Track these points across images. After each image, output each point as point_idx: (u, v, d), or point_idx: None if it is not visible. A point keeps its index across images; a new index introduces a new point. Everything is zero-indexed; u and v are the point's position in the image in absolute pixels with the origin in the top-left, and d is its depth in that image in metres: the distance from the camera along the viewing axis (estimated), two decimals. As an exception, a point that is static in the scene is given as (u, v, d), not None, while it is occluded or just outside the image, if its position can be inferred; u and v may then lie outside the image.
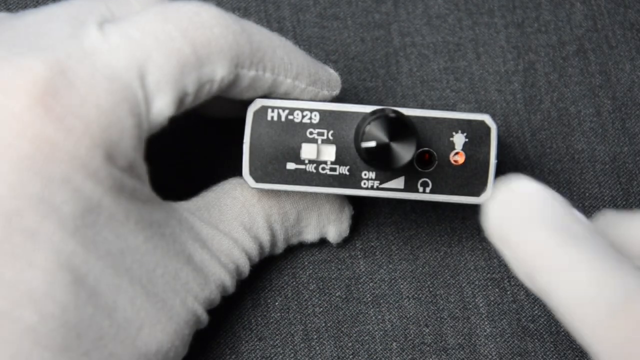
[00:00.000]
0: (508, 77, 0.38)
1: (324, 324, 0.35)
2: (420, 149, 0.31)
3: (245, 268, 0.32)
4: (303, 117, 0.31)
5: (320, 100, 0.32)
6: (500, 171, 0.37)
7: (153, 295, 0.29)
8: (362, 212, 0.36)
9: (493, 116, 0.37)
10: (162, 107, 0.28)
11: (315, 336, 0.35)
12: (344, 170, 0.31)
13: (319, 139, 0.31)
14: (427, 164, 0.31)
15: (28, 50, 0.27)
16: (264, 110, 0.31)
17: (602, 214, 0.29)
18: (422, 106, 0.37)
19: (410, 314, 0.36)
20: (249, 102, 0.31)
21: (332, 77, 0.33)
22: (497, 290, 0.36)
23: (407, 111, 0.31)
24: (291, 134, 0.31)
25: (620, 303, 0.23)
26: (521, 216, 0.26)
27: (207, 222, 0.31)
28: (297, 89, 0.32)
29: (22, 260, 0.26)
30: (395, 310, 0.36)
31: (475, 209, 0.36)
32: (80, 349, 0.27)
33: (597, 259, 0.24)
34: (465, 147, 0.31)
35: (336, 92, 0.33)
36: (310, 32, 0.38)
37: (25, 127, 0.26)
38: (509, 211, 0.26)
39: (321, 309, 0.35)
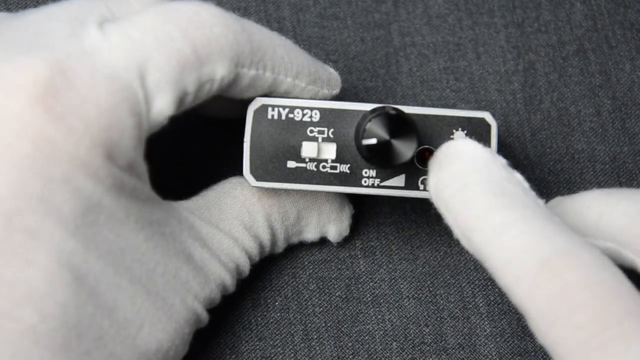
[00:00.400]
0: (508, 77, 0.38)
1: (324, 324, 0.35)
2: (421, 147, 0.31)
3: (246, 267, 0.32)
4: (303, 115, 0.31)
5: (320, 99, 0.32)
6: (501, 171, 0.37)
7: (153, 294, 0.28)
8: (362, 211, 0.36)
9: (493, 116, 0.37)
10: (162, 107, 0.28)
11: (315, 336, 0.35)
12: (344, 168, 0.31)
13: (320, 137, 0.31)
14: (428, 161, 0.31)
15: (28, 50, 0.27)
16: (264, 108, 0.31)
17: (554, 199, 0.30)
18: (423, 106, 0.37)
19: (410, 313, 0.36)
20: (249, 101, 0.31)
21: (332, 76, 0.33)
22: (497, 290, 0.36)
23: (407, 109, 0.31)
24: (292, 133, 0.31)
25: (547, 260, 0.24)
26: (457, 176, 0.26)
27: (207, 221, 0.31)
28: (297, 87, 0.32)
29: (22, 260, 0.26)
30: (395, 310, 0.36)
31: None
32: (80, 349, 0.27)
33: (529, 219, 0.25)
34: None
35: (336, 91, 0.33)
36: (310, 32, 0.38)
37: (26, 127, 0.26)
38: (446, 172, 0.27)
39: (321, 308, 0.35)
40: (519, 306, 0.25)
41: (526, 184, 0.27)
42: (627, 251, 0.27)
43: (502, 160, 0.27)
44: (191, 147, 0.36)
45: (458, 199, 0.26)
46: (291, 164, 0.31)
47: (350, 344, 0.35)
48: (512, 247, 0.25)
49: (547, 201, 0.31)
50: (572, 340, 0.23)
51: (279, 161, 0.31)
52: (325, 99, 0.33)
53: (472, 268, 0.36)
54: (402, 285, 0.36)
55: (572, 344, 0.23)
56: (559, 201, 0.30)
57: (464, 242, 0.26)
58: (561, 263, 0.24)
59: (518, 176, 0.27)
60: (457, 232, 0.27)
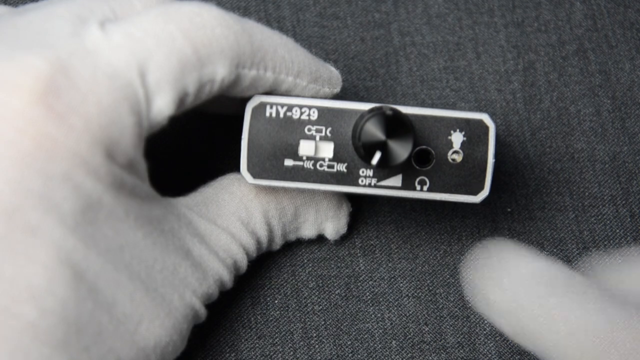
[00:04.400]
0: (508, 76, 0.38)
1: (323, 322, 0.35)
2: (418, 147, 0.31)
3: (243, 263, 0.32)
4: (301, 113, 0.31)
5: (321, 98, 0.32)
6: (500, 170, 0.37)
7: (152, 290, 0.29)
8: (362, 210, 0.36)
9: (493, 115, 0.37)
10: (163, 106, 0.29)
11: (315, 334, 0.35)
12: (341, 167, 0.31)
13: (317, 135, 0.31)
14: (425, 162, 0.31)
15: (30, 48, 0.27)
16: (262, 106, 0.31)
17: (593, 257, 0.30)
18: (422, 105, 0.37)
19: (410, 312, 0.36)
20: (248, 98, 0.31)
21: (333, 75, 0.33)
22: (496, 289, 0.36)
23: (405, 109, 0.31)
24: (289, 131, 0.31)
25: (603, 336, 0.24)
26: (496, 274, 0.27)
27: (205, 217, 0.31)
28: (298, 86, 0.32)
29: (22, 257, 0.26)
30: (395, 308, 0.36)
31: (474, 208, 0.36)
32: (79, 345, 0.27)
33: (578, 303, 0.25)
34: (463, 145, 0.31)
35: (337, 89, 0.33)
36: (310, 32, 0.38)
37: (27, 125, 0.26)
38: (484, 272, 0.27)
39: (320, 307, 0.36)
40: None
41: (565, 269, 0.27)
42: None
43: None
44: (189, 143, 0.37)
45: (498, 296, 0.27)
46: (288, 162, 0.31)
47: (349, 342, 0.35)
48: (564, 332, 0.25)
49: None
50: None
51: (276, 159, 0.31)
52: (326, 97, 0.33)
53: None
54: (401, 284, 0.36)
55: None
56: (603, 261, 0.30)
57: (519, 339, 0.27)
58: (618, 336, 0.24)
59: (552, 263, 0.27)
60: (504, 327, 0.27)
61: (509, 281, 0.26)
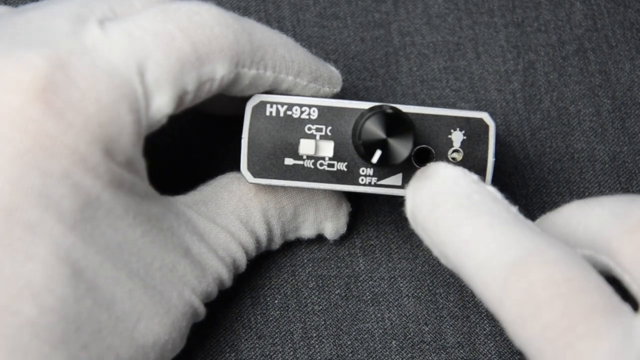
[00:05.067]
0: (508, 76, 0.38)
1: (323, 322, 0.35)
2: (418, 146, 0.31)
3: (242, 262, 0.32)
4: (301, 112, 0.31)
5: (321, 97, 0.32)
6: (499, 169, 0.37)
7: (151, 288, 0.29)
8: (362, 210, 0.36)
9: (493, 115, 0.37)
10: (161, 105, 0.29)
11: (315, 334, 0.35)
12: (341, 166, 0.31)
13: (317, 134, 0.31)
14: (425, 161, 0.31)
15: (29, 46, 0.27)
16: (262, 105, 0.31)
17: (540, 218, 0.30)
18: (422, 105, 0.37)
19: (410, 312, 0.36)
20: (248, 98, 0.31)
21: (333, 74, 0.33)
22: (496, 289, 0.36)
23: (405, 108, 0.31)
24: (289, 130, 0.31)
25: (513, 263, 0.24)
26: (429, 197, 0.27)
27: (204, 216, 0.31)
28: (298, 86, 0.32)
29: (21, 254, 0.26)
30: (395, 308, 0.36)
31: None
32: (78, 342, 0.27)
33: (496, 226, 0.25)
34: (463, 144, 0.31)
35: (337, 89, 0.33)
36: (310, 32, 0.38)
37: (26, 122, 0.26)
38: (420, 195, 0.27)
39: (320, 307, 0.36)
40: (493, 312, 0.25)
41: (498, 194, 0.27)
42: (601, 255, 0.26)
43: (472, 176, 0.27)
44: (189, 143, 0.37)
45: (430, 219, 0.26)
46: (288, 161, 0.31)
47: (349, 342, 0.35)
48: (479, 254, 0.25)
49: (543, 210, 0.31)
50: (541, 340, 0.23)
51: (276, 158, 0.31)
52: (326, 97, 0.33)
53: (471, 267, 0.36)
54: (401, 284, 0.36)
55: (541, 344, 0.23)
56: (543, 218, 0.30)
57: (443, 260, 0.27)
58: (527, 263, 0.24)
59: (489, 188, 0.27)
60: (435, 250, 0.27)
61: (436, 201, 0.27)
